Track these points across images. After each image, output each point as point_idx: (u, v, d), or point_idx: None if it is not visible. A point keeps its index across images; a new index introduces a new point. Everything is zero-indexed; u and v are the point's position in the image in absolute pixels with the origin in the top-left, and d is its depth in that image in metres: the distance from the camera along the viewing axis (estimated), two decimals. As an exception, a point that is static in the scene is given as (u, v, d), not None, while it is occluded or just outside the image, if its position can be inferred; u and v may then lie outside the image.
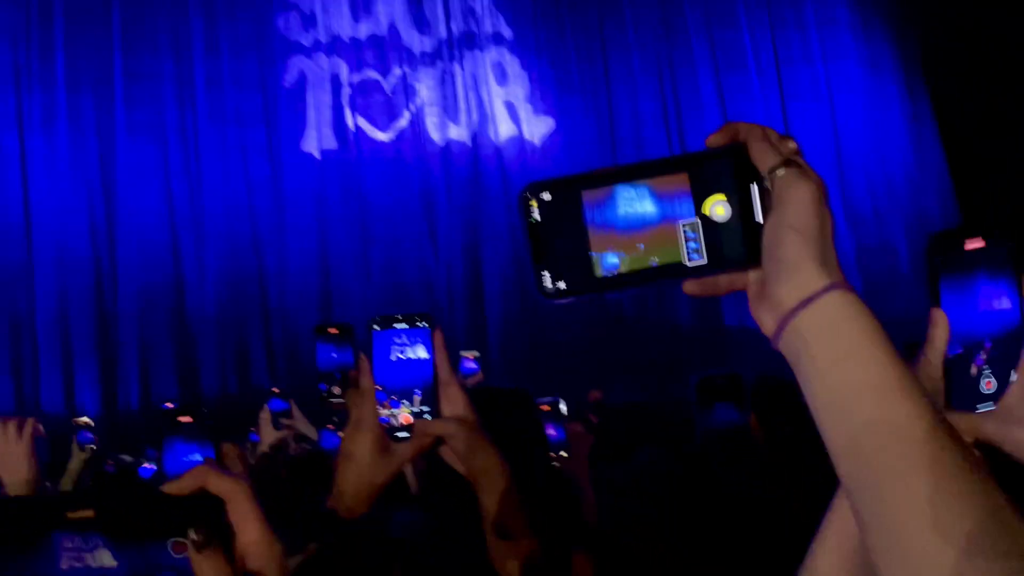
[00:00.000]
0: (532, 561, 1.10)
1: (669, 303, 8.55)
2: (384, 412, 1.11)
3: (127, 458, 4.81)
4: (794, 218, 0.62)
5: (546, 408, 2.14)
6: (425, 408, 1.11)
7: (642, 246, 0.66)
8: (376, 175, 8.62)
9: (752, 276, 0.66)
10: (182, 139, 8.29)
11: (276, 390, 3.35)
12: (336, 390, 1.90)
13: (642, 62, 9.23)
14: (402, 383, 1.12)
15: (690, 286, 0.67)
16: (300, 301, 8.11)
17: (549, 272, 0.65)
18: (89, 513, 0.54)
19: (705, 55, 9.33)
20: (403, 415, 1.11)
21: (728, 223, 0.66)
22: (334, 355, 1.95)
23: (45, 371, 7.65)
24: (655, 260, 0.66)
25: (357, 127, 8.71)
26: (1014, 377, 0.74)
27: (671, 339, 8.37)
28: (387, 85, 8.86)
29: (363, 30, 8.92)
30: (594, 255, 0.66)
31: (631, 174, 0.67)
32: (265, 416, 3.26)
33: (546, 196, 0.66)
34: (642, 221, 0.66)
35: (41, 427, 1.79)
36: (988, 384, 0.75)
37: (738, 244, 0.66)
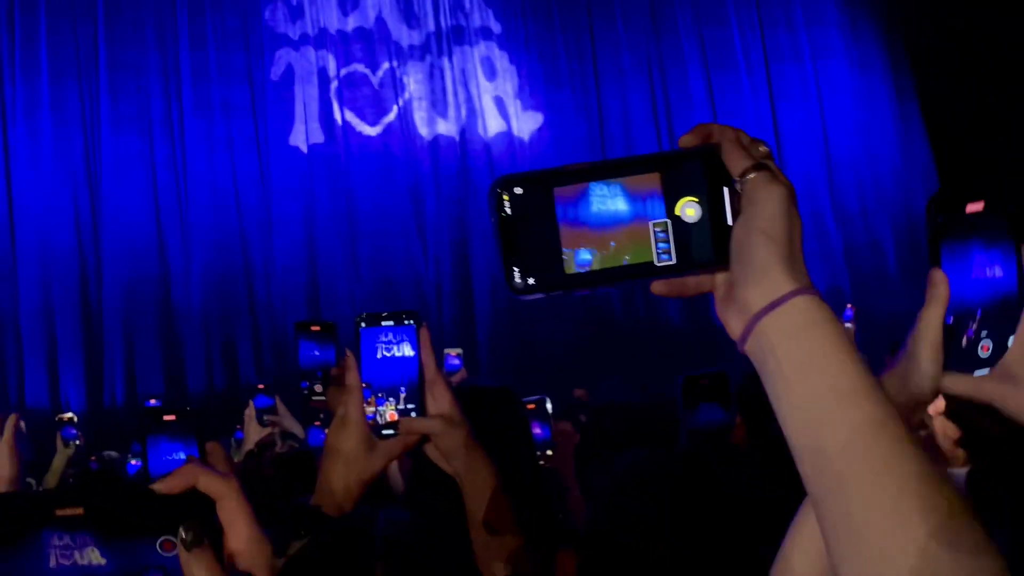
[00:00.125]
0: (517, 559, 1.11)
1: (659, 302, 8.56)
2: (370, 409, 1.11)
3: (113, 454, 4.80)
4: (763, 222, 0.63)
5: (532, 406, 2.14)
6: (411, 406, 1.12)
7: (614, 244, 0.66)
8: (364, 169, 8.60)
9: (720, 278, 0.66)
10: (168, 132, 8.24)
11: (261, 386, 3.34)
12: (318, 388, 1.89)
13: (632, 59, 9.24)
14: (388, 380, 1.12)
15: (658, 286, 0.68)
16: (287, 296, 8.09)
17: (519, 267, 0.65)
18: (78, 511, 0.54)
19: (695, 53, 9.35)
20: (389, 412, 1.11)
21: (698, 224, 0.66)
22: (316, 353, 1.94)
23: (29, 366, 7.59)
24: (627, 259, 0.66)
25: (345, 121, 8.68)
26: (1011, 342, 0.75)
27: (661, 338, 8.40)
28: (375, 79, 8.83)
29: (351, 23, 8.88)
30: (565, 252, 0.65)
31: (604, 172, 0.66)
32: (250, 413, 3.25)
33: (518, 190, 0.66)
34: (614, 219, 0.66)
35: (23, 423, 1.78)
36: (985, 348, 0.75)
37: (707, 246, 0.66)
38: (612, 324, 8.53)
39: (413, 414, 1.11)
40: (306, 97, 8.63)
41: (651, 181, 0.67)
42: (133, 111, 8.16)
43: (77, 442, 3.59)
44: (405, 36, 8.96)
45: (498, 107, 9.06)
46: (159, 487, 0.57)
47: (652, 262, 0.66)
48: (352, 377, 1.11)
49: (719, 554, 1.15)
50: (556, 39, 9.22)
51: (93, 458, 4.59)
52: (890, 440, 0.56)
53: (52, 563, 0.53)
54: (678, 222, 0.66)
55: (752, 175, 0.64)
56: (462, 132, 8.89)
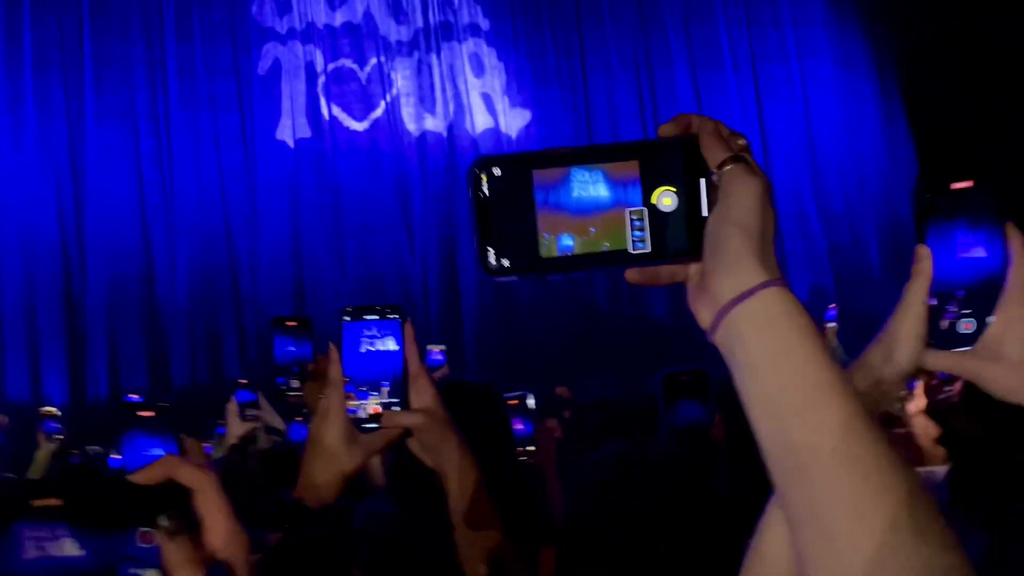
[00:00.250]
0: (498, 554, 1.11)
1: (645, 298, 8.59)
2: (352, 403, 1.11)
3: (96, 448, 4.77)
4: (737, 213, 0.63)
5: (514, 402, 2.15)
6: (393, 400, 1.12)
7: (593, 230, 0.66)
8: (351, 165, 8.57)
9: (694, 268, 0.67)
10: (153, 125, 8.17)
11: (243, 381, 3.32)
12: (294, 383, 1.88)
13: (619, 56, 9.25)
14: (371, 375, 1.12)
15: (632, 274, 0.68)
16: (273, 291, 8.04)
17: (493, 248, 0.65)
18: (55, 501, 0.54)
19: (682, 51, 9.37)
20: (372, 407, 1.11)
21: (674, 214, 0.66)
22: (292, 348, 1.93)
23: (11, 360, 7.51)
24: (605, 245, 0.66)
25: (332, 116, 8.65)
26: (992, 320, 0.77)
27: (647, 335, 8.42)
28: (362, 74, 8.80)
29: (338, 18, 8.84)
30: (543, 235, 0.65)
31: (583, 157, 0.66)
32: (232, 408, 3.23)
33: (496, 171, 0.66)
34: (590, 205, 0.66)
35: (6, 417, 1.77)
36: (967, 326, 0.77)
37: (682, 235, 0.66)
38: (598, 321, 8.54)
39: (396, 408, 1.12)
40: (293, 92, 8.59)
41: (629, 168, 0.67)
42: (118, 104, 8.08)
43: (60, 436, 3.56)
44: (393, 31, 8.93)
45: (486, 103, 9.05)
46: (137, 478, 0.57)
47: (626, 249, 0.66)
48: (335, 371, 1.11)
49: (695, 548, 1.16)
50: (544, 36, 9.22)
51: (75, 452, 4.56)
52: (856, 432, 0.57)
53: (28, 555, 0.53)
54: (654, 211, 0.66)
55: (729, 167, 0.64)
56: (450, 128, 8.88)
